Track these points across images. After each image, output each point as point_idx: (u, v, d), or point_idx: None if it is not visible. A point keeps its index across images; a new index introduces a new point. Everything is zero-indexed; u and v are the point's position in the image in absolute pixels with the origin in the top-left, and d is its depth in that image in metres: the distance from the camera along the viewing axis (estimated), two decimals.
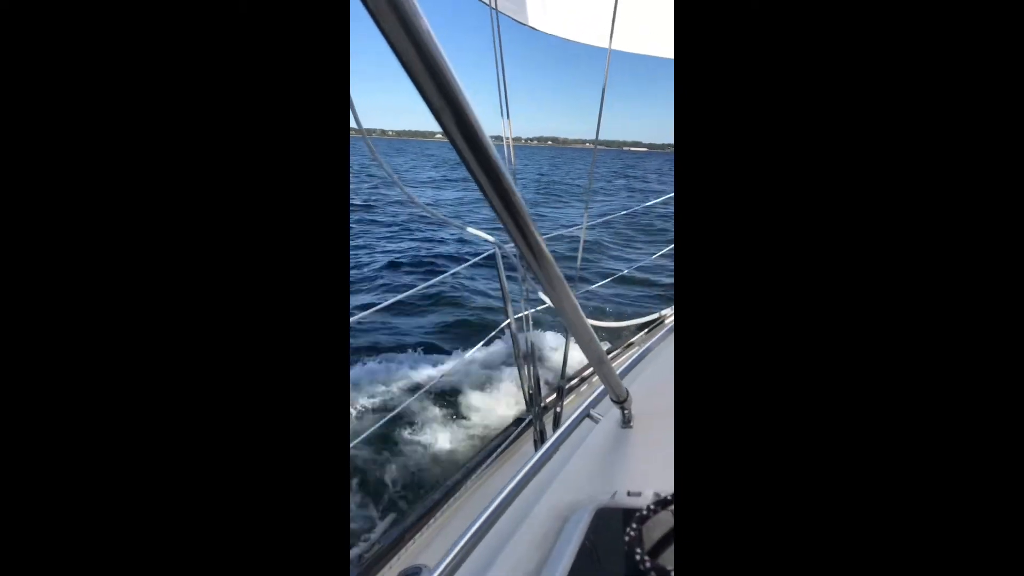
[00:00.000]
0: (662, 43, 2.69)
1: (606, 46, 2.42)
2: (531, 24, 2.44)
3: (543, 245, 0.58)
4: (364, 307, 1.77)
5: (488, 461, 1.64)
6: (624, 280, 5.36)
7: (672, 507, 0.70)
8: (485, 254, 1.99)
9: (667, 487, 0.75)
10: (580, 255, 1.70)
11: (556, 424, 1.64)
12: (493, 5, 1.45)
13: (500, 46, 1.47)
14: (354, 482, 2.60)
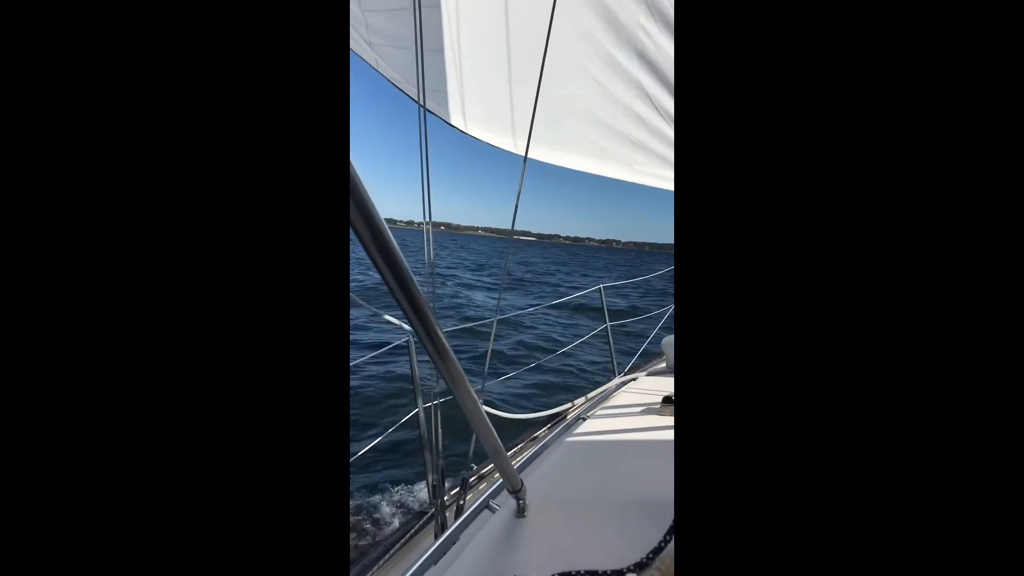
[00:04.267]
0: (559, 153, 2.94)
1: (515, 151, 2.60)
2: (452, 123, 2.60)
3: (444, 340, 0.60)
4: None
5: (387, 556, 1.57)
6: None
7: None
8: (397, 343, 1.94)
9: (551, 571, 0.82)
10: (490, 349, 1.70)
11: (458, 515, 1.58)
12: (421, 102, 1.52)
13: (426, 145, 1.51)
14: None
